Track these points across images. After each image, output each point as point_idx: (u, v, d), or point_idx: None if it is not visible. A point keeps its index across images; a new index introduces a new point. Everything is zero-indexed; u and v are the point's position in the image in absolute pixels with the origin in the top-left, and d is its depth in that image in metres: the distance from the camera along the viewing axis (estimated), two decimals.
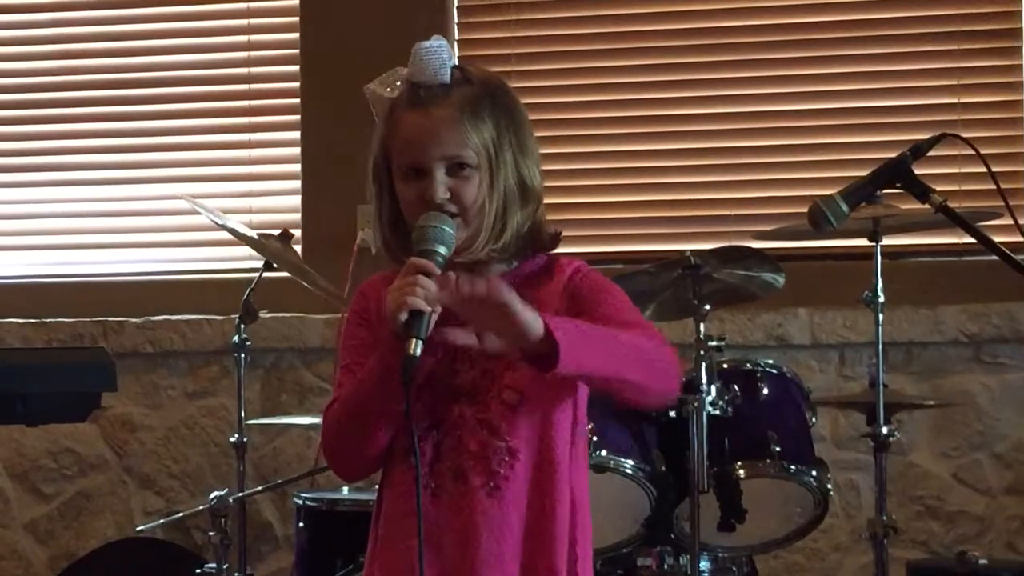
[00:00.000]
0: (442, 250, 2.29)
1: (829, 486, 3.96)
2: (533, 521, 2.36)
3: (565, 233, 2.52)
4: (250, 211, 5.19)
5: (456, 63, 2.41)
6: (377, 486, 2.49)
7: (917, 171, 2.72)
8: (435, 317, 2.23)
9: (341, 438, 2.41)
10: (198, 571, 4.25)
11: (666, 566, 3.95)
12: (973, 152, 2.81)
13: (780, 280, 4.06)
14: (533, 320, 2.17)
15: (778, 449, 3.88)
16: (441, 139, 2.35)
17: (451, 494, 2.35)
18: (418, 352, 2.20)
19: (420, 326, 2.21)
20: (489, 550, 2.33)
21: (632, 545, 3.90)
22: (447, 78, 2.38)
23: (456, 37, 5.07)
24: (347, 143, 4.89)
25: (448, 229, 2.31)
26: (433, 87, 2.37)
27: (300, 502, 4.13)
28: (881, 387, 3.96)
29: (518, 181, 2.41)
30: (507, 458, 2.35)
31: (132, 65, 5.35)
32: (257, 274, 4.37)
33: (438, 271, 2.25)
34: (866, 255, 4.05)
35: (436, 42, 2.39)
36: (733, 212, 4.90)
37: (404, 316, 2.21)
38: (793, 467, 3.90)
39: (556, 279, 2.44)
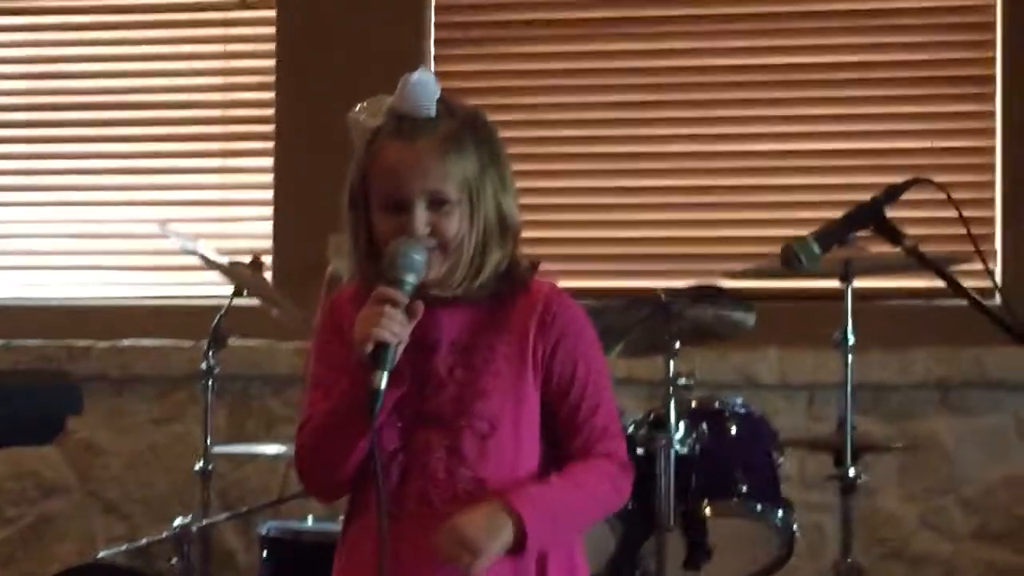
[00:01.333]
0: (411, 278, 2.29)
1: (795, 527, 3.96)
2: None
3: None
4: (222, 236, 5.17)
5: (440, 95, 2.40)
6: (342, 516, 2.48)
7: (890, 214, 2.72)
8: (401, 348, 2.26)
9: (315, 460, 2.41)
10: None
11: None
12: (945, 197, 2.82)
13: (750, 319, 4.06)
14: (506, 542, 2.27)
15: (745, 488, 3.88)
16: (425, 172, 2.34)
17: (414, 516, 2.35)
18: (383, 385, 2.23)
19: (385, 358, 2.24)
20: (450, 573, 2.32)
21: None
22: (432, 112, 2.37)
23: (432, 68, 5.07)
24: (321, 170, 4.88)
25: (418, 257, 2.31)
26: (418, 119, 2.36)
27: (265, 532, 4.10)
28: (849, 429, 3.96)
29: (498, 216, 2.40)
30: (471, 488, 2.35)
31: (106, 88, 5.33)
32: (227, 300, 4.36)
33: (405, 300, 2.26)
34: (837, 296, 4.06)
35: (424, 75, 2.38)
36: (705, 250, 4.91)
37: (370, 347, 2.23)
38: (760, 507, 3.90)
39: (531, 304, 2.42)
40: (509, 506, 2.28)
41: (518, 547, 2.28)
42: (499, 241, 2.40)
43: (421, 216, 2.33)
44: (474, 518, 2.26)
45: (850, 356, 4.00)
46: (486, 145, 2.41)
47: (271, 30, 5.21)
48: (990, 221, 4.80)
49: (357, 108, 2.43)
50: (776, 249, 2.79)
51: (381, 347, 2.23)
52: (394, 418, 2.35)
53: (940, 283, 2.74)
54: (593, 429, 2.41)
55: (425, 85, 2.37)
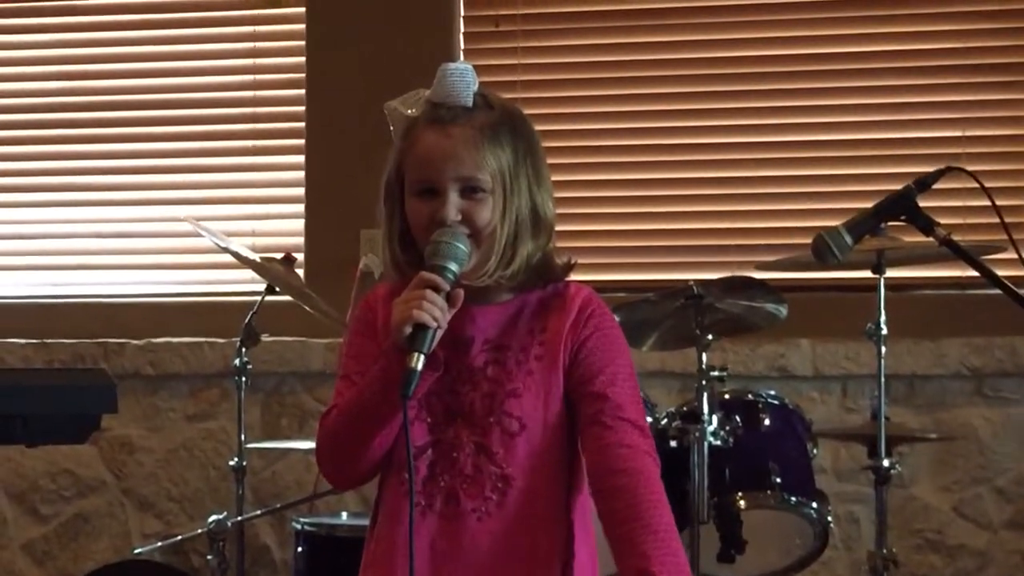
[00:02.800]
0: (453, 267, 2.30)
1: (829, 518, 3.96)
2: (522, 547, 2.35)
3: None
4: (253, 234, 5.19)
5: (478, 88, 2.40)
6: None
7: (922, 204, 2.71)
8: (440, 333, 2.25)
9: (337, 446, 2.41)
10: None
11: None
12: (978, 186, 2.81)
13: (783, 311, 4.05)
14: None
15: (779, 480, 3.87)
16: (458, 159, 2.34)
17: (441, 515, 2.35)
18: (419, 366, 2.22)
19: (424, 340, 2.23)
20: (476, 572, 2.33)
21: None
22: (469, 102, 2.37)
23: (462, 58, 5.06)
24: (351, 167, 4.94)
25: (462, 246, 2.31)
26: (455, 108, 2.37)
27: (299, 527, 4.12)
28: (883, 420, 3.95)
29: (531, 210, 2.40)
30: (500, 484, 2.35)
31: (137, 87, 5.35)
32: (259, 298, 4.37)
33: (447, 287, 2.27)
34: (869, 287, 4.05)
35: (462, 65, 2.39)
36: (737, 242, 4.90)
37: (408, 329, 2.23)
38: (794, 499, 3.89)
39: (567, 308, 2.42)
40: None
41: None
42: (532, 234, 2.40)
43: (454, 202, 2.34)
44: None
45: (883, 347, 3.99)
46: (522, 138, 2.41)
47: (301, 27, 5.22)
48: (1023, 209, 4.78)
49: (395, 100, 2.43)
50: (808, 240, 2.79)
51: (420, 330, 2.23)
52: (424, 413, 2.36)
53: (973, 272, 2.74)
54: (613, 399, 2.36)
55: (463, 75, 2.38)
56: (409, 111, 2.40)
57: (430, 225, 2.34)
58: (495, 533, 2.34)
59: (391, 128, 2.43)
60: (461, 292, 2.28)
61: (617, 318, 2.49)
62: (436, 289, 2.25)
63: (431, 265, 2.29)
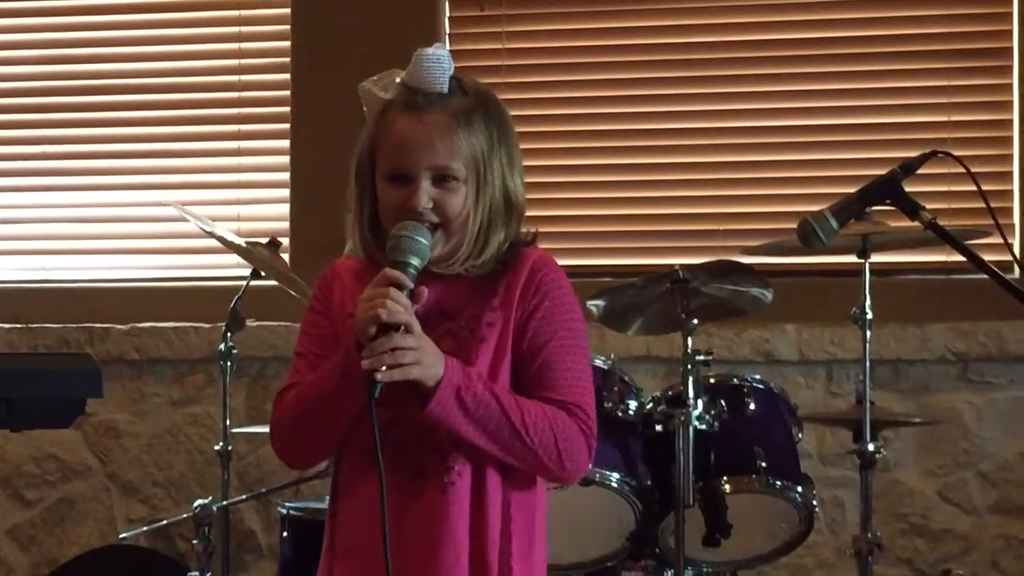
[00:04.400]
0: (415, 261, 2.30)
1: (815, 502, 3.96)
2: (474, 515, 2.37)
3: (554, 245, 2.53)
4: (238, 219, 5.18)
5: (453, 73, 2.40)
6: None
7: (907, 188, 2.71)
8: (402, 331, 2.25)
9: (296, 432, 2.43)
10: None
11: None
12: (963, 170, 2.81)
13: (768, 295, 4.06)
14: (430, 365, 2.26)
15: (764, 465, 3.88)
16: (432, 148, 2.34)
17: (408, 491, 2.36)
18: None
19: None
20: (447, 544, 2.35)
21: (617, 559, 3.89)
22: (445, 88, 2.37)
23: (447, 47, 5.05)
24: (337, 152, 4.89)
25: (423, 240, 2.31)
26: (431, 94, 2.36)
27: (284, 511, 4.11)
28: (868, 404, 3.95)
29: (504, 196, 2.41)
30: (459, 454, 2.36)
31: (122, 71, 5.34)
32: (244, 282, 4.36)
33: (410, 284, 2.27)
34: (855, 272, 4.05)
35: (438, 50, 2.39)
36: (722, 227, 4.90)
37: (373, 330, 2.24)
38: (779, 483, 3.90)
39: (518, 273, 2.42)
40: (444, 357, 2.29)
41: (427, 398, 2.27)
42: (503, 221, 2.40)
43: (425, 190, 2.34)
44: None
45: (868, 331, 4.00)
46: (496, 124, 2.41)
47: (286, 11, 5.21)
48: (1008, 194, 4.78)
49: (370, 80, 2.42)
50: (793, 224, 2.79)
51: (383, 329, 2.23)
52: (385, 390, 2.29)
53: (958, 257, 2.73)
54: (555, 382, 2.39)
55: (439, 60, 2.38)
56: (382, 92, 2.39)
57: (400, 212, 2.34)
58: (459, 500, 2.36)
59: (364, 108, 2.42)
60: (424, 289, 2.29)
61: (602, 303, 2.50)
62: (400, 287, 2.25)
63: (392, 261, 2.29)
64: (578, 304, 2.48)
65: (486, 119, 2.39)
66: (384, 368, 2.22)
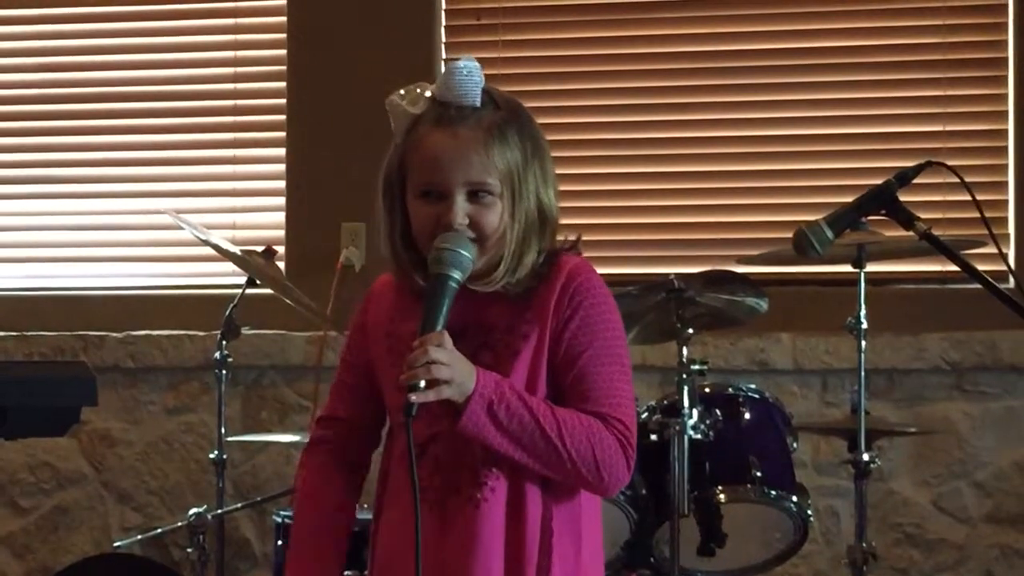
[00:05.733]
0: (457, 275, 2.28)
1: (809, 512, 3.96)
2: (510, 531, 2.35)
3: None
4: (234, 227, 5.17)
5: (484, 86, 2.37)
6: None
7: (902, 198, 2.72)
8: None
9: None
10: None
11: None
12: (958, 180, 2.82)
13: (763, 305, 4.06)
14: (461, 382, 2.25)
15: (759, 474, 3.88)
16: (467, 162, 2.31)
17: (443, 508, 2.35)
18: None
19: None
20: (478, 563, 2.34)
21: (612, 569, 3.88)
22: (477, 101, 2.34)
23: (443, 52, 5.07)
24: (332, 161, 4.93)
25: (466, 253, 2.29)
26: (463, 108, 2.33)
27: (279, 520, 4.11)
28: (863, 414, 3.95)
29: (538, 209, 2.38)
30: (494, 469, 2.35)
31: (117, 79, 5.33)
32: (240, 290, 4.36)
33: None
34: (850, 281, 4.05)
35: (469, 63, 2.35)
36: (718, 236, 4.91)
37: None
38: (774, 492, 3.90)
39: (552, 281, 2.39)
40: (477, 371, 2.28)
41: (459, 413, 2.27)
42: (538, 236, 2.38)
43: (461, 207, 2.31)
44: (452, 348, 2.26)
45: (863, 341, 4.00)
46: (530, 138, 2.38)
47: (282, 19, 5.21)
48: (1003, 204, 4.79)
49: (397, 94, 2.37)
50: (789, 234, 2.79)
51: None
52: (423, 410, 2.29)
53: (953, 267, 2.74)
54: (591, 392, 2.37)
55: (470, 73, 2.34)
56: (412, 107, 2.34)
57: (435, 229, 2.32)
58: (494, 517, 2.34)
59: (392, 122, 2.38)
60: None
61: None
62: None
63: (435, 273, 2.27)
64: (617, 311, 2.45)
65: (520, 133, 2.36)
66: (418, 390, 2.22)
